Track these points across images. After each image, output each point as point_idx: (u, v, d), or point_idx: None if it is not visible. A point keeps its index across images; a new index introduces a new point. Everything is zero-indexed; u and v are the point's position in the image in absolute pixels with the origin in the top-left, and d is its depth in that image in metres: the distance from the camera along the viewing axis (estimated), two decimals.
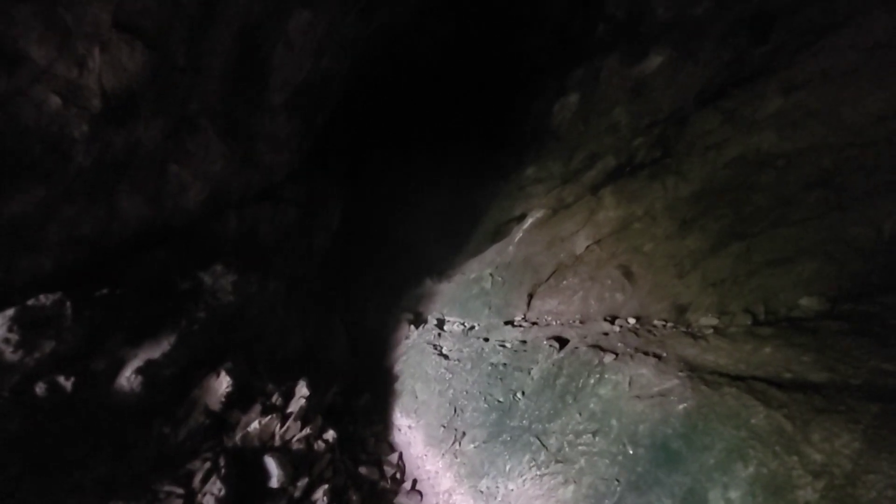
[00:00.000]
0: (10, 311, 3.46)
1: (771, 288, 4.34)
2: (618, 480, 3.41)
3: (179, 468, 3.87)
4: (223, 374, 4.56)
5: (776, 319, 4.06)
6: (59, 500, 3.28)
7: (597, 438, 3.74)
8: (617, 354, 4.25)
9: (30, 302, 3.60)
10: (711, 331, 4.20)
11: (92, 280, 4.25)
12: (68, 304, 3.77)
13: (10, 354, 3.42)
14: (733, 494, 2.84)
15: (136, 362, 4.08)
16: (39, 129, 3.50)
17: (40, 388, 3.52)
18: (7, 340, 3.39)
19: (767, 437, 2.95)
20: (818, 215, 4.53)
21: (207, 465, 3.87)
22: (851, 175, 4.56)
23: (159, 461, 3.86)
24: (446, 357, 5.89)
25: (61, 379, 3.64)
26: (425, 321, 7.17)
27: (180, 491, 3.64)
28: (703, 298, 4.71)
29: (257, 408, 4.59)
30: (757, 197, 5.08)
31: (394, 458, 5.03)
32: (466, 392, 5.15)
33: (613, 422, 3.73)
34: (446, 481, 4.47)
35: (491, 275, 6.95)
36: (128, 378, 3.98)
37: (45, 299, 3.67)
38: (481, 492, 4.11)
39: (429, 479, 4.66)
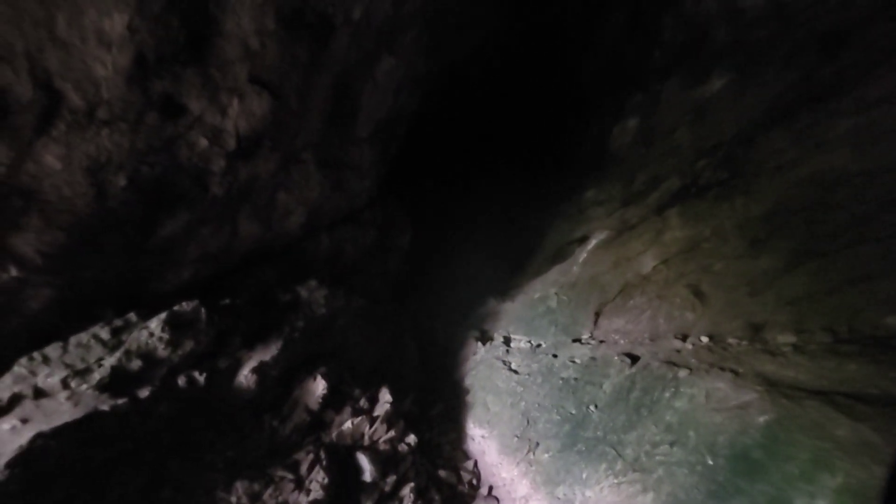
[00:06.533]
0: (164, 315, 4.19)
1: (852, 306, 4.30)
2: (698, 489, 3.51)
3: (287, 457, 4.40)
4: (319, 377, 5.11)
5: (859, 337, 4.04)
6: (197, 475, 3.87)
7: (674, 449, 3.86)
8: (691, 370, 4.37)
9: (176, 307, 4.33)
10: (790, 348, 4.22)
11: (216, 291, 4.99)
12: (203, 310, 4.48)
13: (162, 351, 4.12)
14: (820, 503, 2.91)
15: (252, 363, 4.70)
16: (190, 166, 4.29)
17: (181, 380, 4.18)
18: (161, 339, 4.11)
19: (854, 449, 3.00)
20: None
21: (311, 456, 4.37)
22: None
23: (271, 450, 4.40)
24: (516, 372, 6.15)
25: (196, 374, 4.30)
26: (492, 338, 7.47)
27: (291, 476, 4.14)
28: (779, 316, 4.71)
29: (348, 409, 5.08)
30: (832, 216, 5.06)
31: (469, 465, 5.31)
32: (538, 405, 5.38)
33: (691, 433, 3.85)
34: (522, 488, 4.69)
35: (556, 294, 7.18)
36: (245, 376, 4.60)
37: (186, 305, 4.39)
38: (558, 498, 4.30)
39: (504, 485, 4.90)
